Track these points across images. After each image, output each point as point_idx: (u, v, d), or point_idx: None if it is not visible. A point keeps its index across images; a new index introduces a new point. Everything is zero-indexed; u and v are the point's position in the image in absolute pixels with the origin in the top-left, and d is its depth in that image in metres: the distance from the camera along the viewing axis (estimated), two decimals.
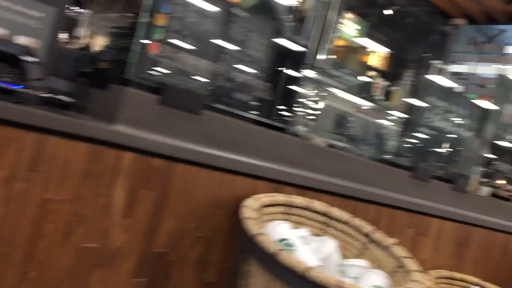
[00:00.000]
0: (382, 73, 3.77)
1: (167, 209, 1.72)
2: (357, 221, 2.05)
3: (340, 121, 2.60)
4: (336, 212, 2.07)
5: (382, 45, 4.16)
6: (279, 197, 1.96)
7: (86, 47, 2.15)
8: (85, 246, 1.54)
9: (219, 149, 1.86)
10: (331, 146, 2.60)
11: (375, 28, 4.18)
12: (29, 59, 1.40)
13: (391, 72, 3.77)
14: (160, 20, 1.65)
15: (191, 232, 1.80)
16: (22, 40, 1.60)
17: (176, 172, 1.73)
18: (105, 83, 1.70)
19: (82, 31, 2.26)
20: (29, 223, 1.41)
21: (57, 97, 1.78)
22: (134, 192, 1.63)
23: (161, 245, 1.72)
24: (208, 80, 1.85)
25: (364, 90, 2.75)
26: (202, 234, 1.83)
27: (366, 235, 2.02)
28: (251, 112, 2.03)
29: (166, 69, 1.72)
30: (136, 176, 1.63)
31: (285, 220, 1.99)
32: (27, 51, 1.43)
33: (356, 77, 2.87)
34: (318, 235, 2.03)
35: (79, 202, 1.51)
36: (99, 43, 1.99)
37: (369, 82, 2.97)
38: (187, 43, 1.75)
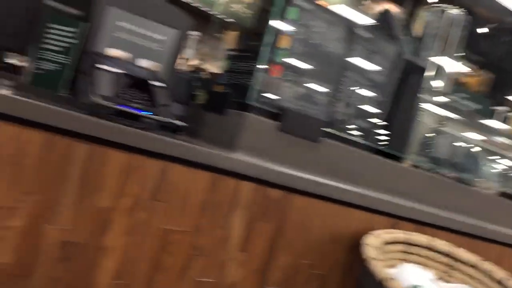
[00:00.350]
0: (496, 98, 3.48)
1: (283, 243, 1.61)
2: (487, 265, 1.82)
3: (459, 151, 2.38)
4: (462, 253, 1.85)
5: (485, 67, 3.86)
6: (399, 234, 1.79)
7: (197, 70, 2.12)
8: (201, 281, 1.45)
9: (336, 180, 1.73)
10: (455, 179, 2.37)
11: (475, 49, 3.89)
12: (157, 84, 1.35)
13: (504, 96, 3.47)
14: (284, 42, 1.55)
15: (305, 268, 1.67)
16: (144, 63, 1.57)
17: (292, 203, 1.62)
18: (223, 108, 1.63)
19: (192, 53, 2.24)
20: (150, 254, 1.35)
21: (172, 121, 1.73)
22: (251, 225, 1.53)
23: (275, 282, 1.61)
24: (327, 106, 1.73)
25: (484, 117, 2.51)
26: (317, 271, 1.70)
27: (499, 281, 1.79)
28: (368, 140, 1.88)
29: (286, 93, 1.62)
30: (254, 207, 1.53)
31: (404, 260, 1.81)
32: (155, 75, 1.39)
33: (477, 103, 2.64)
34: (442, 278, 1.83)
35: (197, 233, 1.43)
36: (213, 65, 1.94)
37: (489, 108, 2.73)
38: (308, 65, 1.64)
